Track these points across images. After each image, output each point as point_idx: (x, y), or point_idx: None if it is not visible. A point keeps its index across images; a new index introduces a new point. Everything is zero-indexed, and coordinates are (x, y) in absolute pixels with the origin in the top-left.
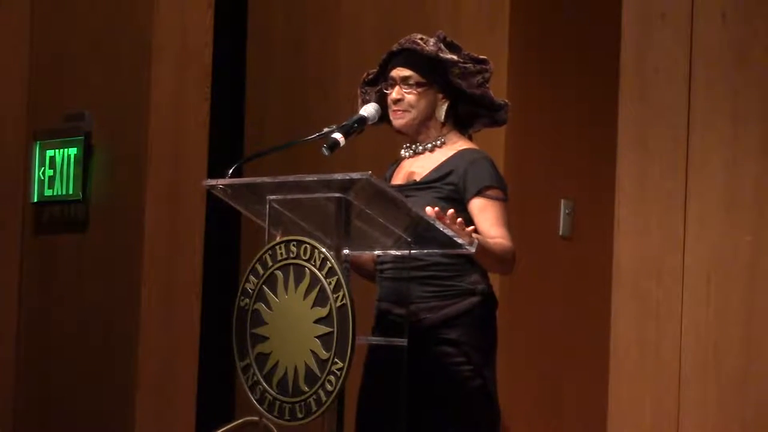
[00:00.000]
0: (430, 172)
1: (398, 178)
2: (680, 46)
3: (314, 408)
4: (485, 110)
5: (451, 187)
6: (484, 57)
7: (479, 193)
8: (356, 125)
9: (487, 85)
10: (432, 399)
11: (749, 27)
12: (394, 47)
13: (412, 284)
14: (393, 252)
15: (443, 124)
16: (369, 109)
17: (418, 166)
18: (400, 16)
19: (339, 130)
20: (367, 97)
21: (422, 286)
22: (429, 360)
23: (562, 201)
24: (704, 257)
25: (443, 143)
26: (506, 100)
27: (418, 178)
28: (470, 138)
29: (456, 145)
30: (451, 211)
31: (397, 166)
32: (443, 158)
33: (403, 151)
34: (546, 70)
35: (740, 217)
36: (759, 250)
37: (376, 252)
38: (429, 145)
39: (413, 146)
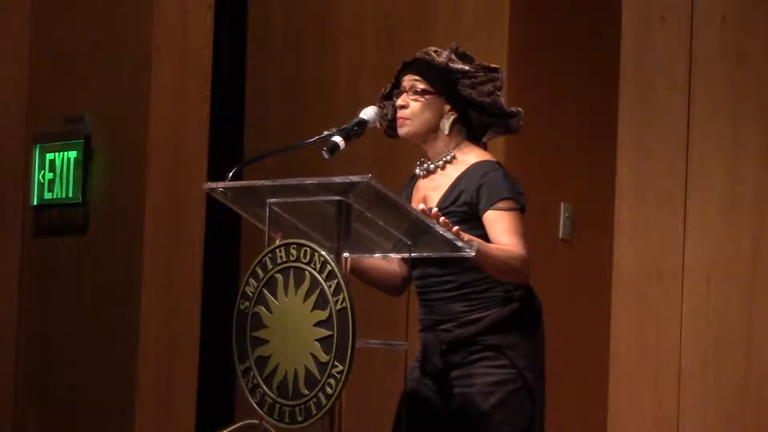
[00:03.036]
0: (444, 196)
1: (415, 204)
2: (680, 48)
3: (314, 411)
4: (497, 118)
5: (465, 208)
6: (496, 66)
7: (491, 207)
8: (356, 128)
9: (498, 93)
10: (471, 399)
11: (749, 29)
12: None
13: (449, 302)
14: (392, 255)
15: (450, 137)
16: (369, 112)
17: (432, 188)
18: (400, 17)
19: (339, 133)
20: (385, 111)
21: (459, 303)
22: (470, 365)
23: (562, 204)
24: (704, 259)
25: (453, 158)
26: (519, 108)
27: (433, 203)
28: (485, 146)
29: (467, 158)
30: (442, 218)
31: (414, 186)
32: (455, 176)
33: (417, 170)
34: (546, 72)
35: (740, 219)
36: (759, 251)
37: (376, 255)
38: (440, 162)
39: (426, 164)
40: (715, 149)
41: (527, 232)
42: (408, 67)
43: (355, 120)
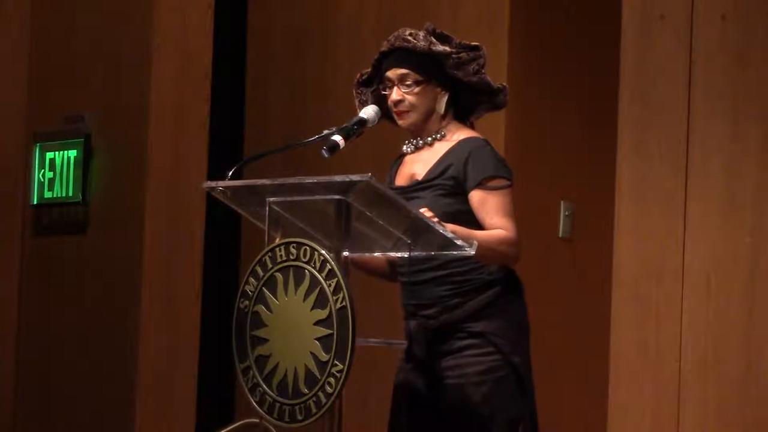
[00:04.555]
0: (431, 169)
1: (401, 178)
2: (680, 47)
3: (314, 410)
4: (485, 96)
5: (452, 182)
6: (476, 43)
7: (479, 186)
8: (356, 127)
9: (483, 71)
10: (463, 389)
11: (749, 28)
12: (385, 47)
13: (431, 285)
14: (393, 254)
15: (443, 117)
16: (368, 111)
17: (420, 162)
18: (400, 17)
19: (339, 132)
20: (363, 98)
21: (442, 286)
22: (457, 353)
23: (562, 202)
24: (704, 258)
25: (443, 136)
26: (504, 84)
27: (420, 177)
28: (472, 126)
29: (455, 135)
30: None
31: (400, 163)
32: (443, 151)
33: (405, 147)
34: (546, 71)
35: (740, 218)
36: (759, 250)
37: (376, 253)
38: (429, 139)
39: (414, 141)
40: (715, 148)
41: (527, 230)
42: (390, 58)
43: (355, 119)
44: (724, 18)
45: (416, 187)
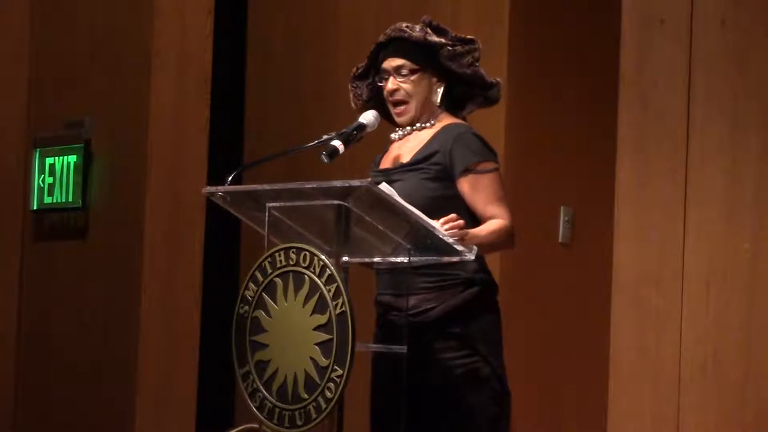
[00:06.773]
0: (416, 153)
1: (386, 162)
2: (680, 51)
3: (314, 415)
4: (478, 89)
5: (437, 167)
6: (472, 37)
7: (468, 171)
8: (355, 132)
9: (478, 64)
10: (445, 392)
11: (748, 32)
12: (382, 38)
13: (411, 273)
14: (392, 259)
15: (437, 107)
16: (368, 116)
17: (406, 147)
18: (400, 18)
19: (338, 137)
20: (359, 92)
21: (421, 276)
22: (436, 355)
23: (562, 208)
24: (703, 263)
25: (433, 124)
26: (498, 78)
27: (405, 160)
28: (464, 120)
29: (442, 123)
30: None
31: (387, 150)
32: (428, 137)
33: (393, 134)
34: (546, 75)
35: (739, 223)
36: (758, 255)
37: (375, 259)
38: (418, 125)
39: (404, 128)
40: (714, 152)
41: (526, 235)
42: (386, 49)
43: (355, 124)
44: (724, 22)
45: (400, 170)
